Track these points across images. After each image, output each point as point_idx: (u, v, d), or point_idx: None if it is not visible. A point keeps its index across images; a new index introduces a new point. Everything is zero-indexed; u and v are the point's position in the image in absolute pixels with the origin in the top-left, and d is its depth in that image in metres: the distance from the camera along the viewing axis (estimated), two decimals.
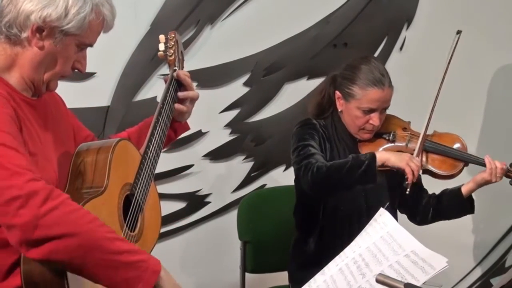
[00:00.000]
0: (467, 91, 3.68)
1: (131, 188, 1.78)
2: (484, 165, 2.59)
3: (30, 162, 1.55)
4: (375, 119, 2.54)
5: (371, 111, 2.53)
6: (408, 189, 2.45)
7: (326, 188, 2.50)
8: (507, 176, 2.61)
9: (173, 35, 2.15)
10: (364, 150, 2.60)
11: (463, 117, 3.58)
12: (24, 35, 1.66)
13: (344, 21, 3.40)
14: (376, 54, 3.49)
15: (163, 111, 2.00)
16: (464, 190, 2.63)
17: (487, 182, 2.59)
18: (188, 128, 2.26)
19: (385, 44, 3.52)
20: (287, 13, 3.30)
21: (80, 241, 1.49)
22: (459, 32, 2.62)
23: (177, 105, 2.11)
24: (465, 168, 2.66)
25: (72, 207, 1.51)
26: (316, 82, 3.37)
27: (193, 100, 2.17)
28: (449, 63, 2.59)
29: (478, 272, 3.86)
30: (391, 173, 2.59)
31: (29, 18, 1.65)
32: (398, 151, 2.59)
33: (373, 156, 2.42)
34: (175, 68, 2.13)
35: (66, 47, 1.71)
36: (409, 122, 2.70)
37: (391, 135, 2.62)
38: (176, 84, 2.11)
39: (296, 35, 3.32)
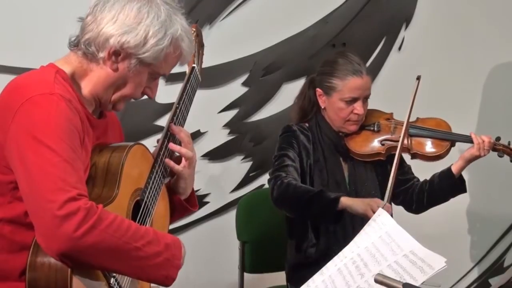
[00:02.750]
0: (464, 92, 3.68)
1: (141, 194, 1.77)
2: (470, 141, 2.63)
3: (81, 178, 1.57)
4: (359, 108, 2.58)
5: (353, 100, 2.57)
6: None
7: (286, 206, 2.57)
8: (495, 150, 2.65)
9: (194, 29, 2.06)
10: (351, 142, 2.64)
11: (459, 119, 3.57)
12: (101, 55, 1.69)
13: (342, 21, 3.40)
14: (374, 54, 3.50)
15: (178, 111, 1.95)
16: (454, 169, 2.66)
17: (475, 157, 2.62)
18: (195, 208, 2.07)
19: (383, 44, 3.52)
20: (285, 13, 3.30)
21: (114, 255, 1.56)
22: (418, 78, 2.66)
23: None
24: (455, 151, 2.69)
25: (107, 221, 1.54)
26: None
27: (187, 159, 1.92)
28: (411, 107, 2.60)
29: (476, 272, 3.86)
30: (380, 163, 2.63)
31: (108, 41, 1.67)
32: (384, 139, 2.63)
33: (336, 199, 2.43)
34: (193, 65, 2.06)
35: (139, 73, 1.72)
36: (392, 113, 2.73)
37: (375, 126, 2.67)
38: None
39: (294, 35, 3.33)
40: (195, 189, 3.16)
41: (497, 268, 3.88)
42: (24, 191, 1.56)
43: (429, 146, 2.66)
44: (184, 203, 2.00)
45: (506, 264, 3.90)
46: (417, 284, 1.65)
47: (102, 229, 1.52)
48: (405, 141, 2.60)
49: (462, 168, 2.65)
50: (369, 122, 2.68)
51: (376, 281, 1.47)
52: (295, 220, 2.69)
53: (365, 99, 2.61)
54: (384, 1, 3.47)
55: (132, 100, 1.81)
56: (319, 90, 2.64)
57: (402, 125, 2.61)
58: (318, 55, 3.37)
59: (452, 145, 2.67)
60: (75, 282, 1.56)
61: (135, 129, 3.01)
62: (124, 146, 1.76)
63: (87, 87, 1.73)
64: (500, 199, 3.74)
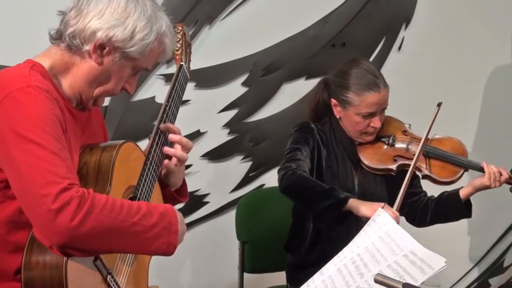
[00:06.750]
0: (464, 92, 3.68)
1: (134, 191, 1.78)
2: (483, 171, 2.58)
3: (70, 167, 1.58)
4: (376, 122, 2.51)
5: (371, 115, 2.50)
6: None
7: (293, 197, 2.52)
8: (508, 183, 2.61)
9: (180, 28, 2.10)
10: (363, 153, 2.58)
11: (459, 120, 3.58)
12: (86, 48, 1.69)
13: (342, 21, 3.40)
14: (374, 54, 3.49)
15: (168, 109, 1.95)
16: (462, 194, 2.62)
17: (485, 187, 2.58)
18: (185, 199, 2.10)
19: (383, 44, 3.52)
20: (285, 13, 3.30)
21: (114, 235, 1.57)
22: (439, 105, 2.58)
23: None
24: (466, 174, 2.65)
25: (101, 203, 1.55)
26: (315, 82, 3.35)
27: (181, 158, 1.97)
28: (428, 132, 2.53)
29: (476, 272, 3.87)
30: (389, 177, 2.58)
31: (95, 34, 1.68)
32: (397, 155, 2.57)
33: (344, 200, 2.38)
34: (181, 63, 2.08)
35: (123, 67, 1.74)
36: (410, 125, 2.67)
37: (390, 139, 2.59)
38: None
39: (294, 35, 3.32)
40: (195, 189, 3.22)
41: (497, 268, 3.88)
42: (16, 189, 1.57)
43: (442, 171, 2.58)
44: (174, 195, 2.03)
45: (506, 264, 3.90)
46: (417, 284, 1.66)
47: (97, 212, 1.53)
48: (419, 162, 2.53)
49: (470, 195, 2.62)
50: (385, 133, 2.60)
51: (376, 281, 1.47)
52: (297, 221, 2.69)
53: (383, 110, 2.54)
54: (384, 1, 3.47)
55: (112, 96, 1.82)
56: (333, 101, 2.56)
57: (418, 141, 2.54)
58: (318, 55, 3.37)
59: (466, 171, 2.62)
60: (70, 280, 1.56)
61: (135, 129, 3.01)
62: (114, 144, 1.77)
63: (67, 80, 1.73)
64: (500, 199, 3.74)
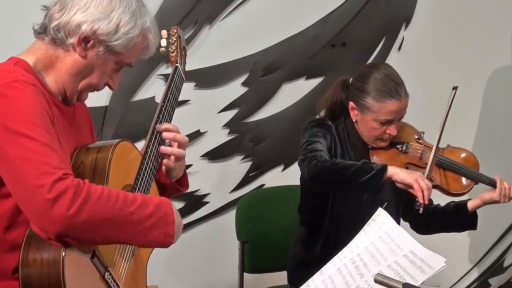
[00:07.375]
0: (463, 92, 3.67)
1: (131, 190, 1.78)
2: (494, 185, 2.59)
3: (62, 158, 1.58)
4: (392, 130, 2.49)
5: (388, 122, 2.48)
6: (421, 209, 2.37)
7: (326, 182, 2.46)
8: None
9: (175, 30, 2.12)
10: (376, 158, 2.57)
11: (459, 120, 3.57)
12: (70, 41, 1.70)
13: (342, 21, 3.40)
14: (374, 54, 3.49)
15: (164, 110, 1.96)
16: (470, 206, 2.62)
17: (494, 202, 2.59)
18: (185, 188, 2.11)
19: (383, 44, 3.52)
20: (285, 13, 3.30)
21: (111, 224, 1.58)
22: (455, 88, 2.58)
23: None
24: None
25: (97, 193, 1.55)
26: (315, 82, 3.37)
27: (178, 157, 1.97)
28: (446, 117, 2.54)
29: (476, 272, 3.87)
30: (401, 190, 2.57)
31: (79, 27, 1.69)
32: (409, 162, 2.57)
33: (384, 168, 2.36)
34: (176, 65, 2.09)
35: (106, 62, 1.75)
36: (423, 133, 2.65)
37: (404, 146, 2.57)
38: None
39: (294, 35, 3.33)
40: (195, 189, 3.22)
41: (497, 268, 3.88)
42: (10, 184, 1.57)
43: (453, 183, 2.59)
44: (175, 185, 2.04)
45: (506, 264, 3.90)
46: (417, 284, 1.66)
47: (93, 202, 1.54)
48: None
49: (478, 208, 2.62)
50: (398, 139, 2.58)
51: (376, 281, 1.47)
52: (310, 219, 2.67)
53: (400, 119, 2.52)
54: (384, 1, 3.47)
55: (96, 91, 1.82)
56: (351, 104, 2.54)
57: (430, 151, 2.52)
58: (318, 55, 3.37)
59: (476, 183, 2.62)
60: (68, 277, 1.57)
61: (135, 129, 3.01)
62: (110, 144, 1.78)
63: (52, 76, 1.73)
64: None
